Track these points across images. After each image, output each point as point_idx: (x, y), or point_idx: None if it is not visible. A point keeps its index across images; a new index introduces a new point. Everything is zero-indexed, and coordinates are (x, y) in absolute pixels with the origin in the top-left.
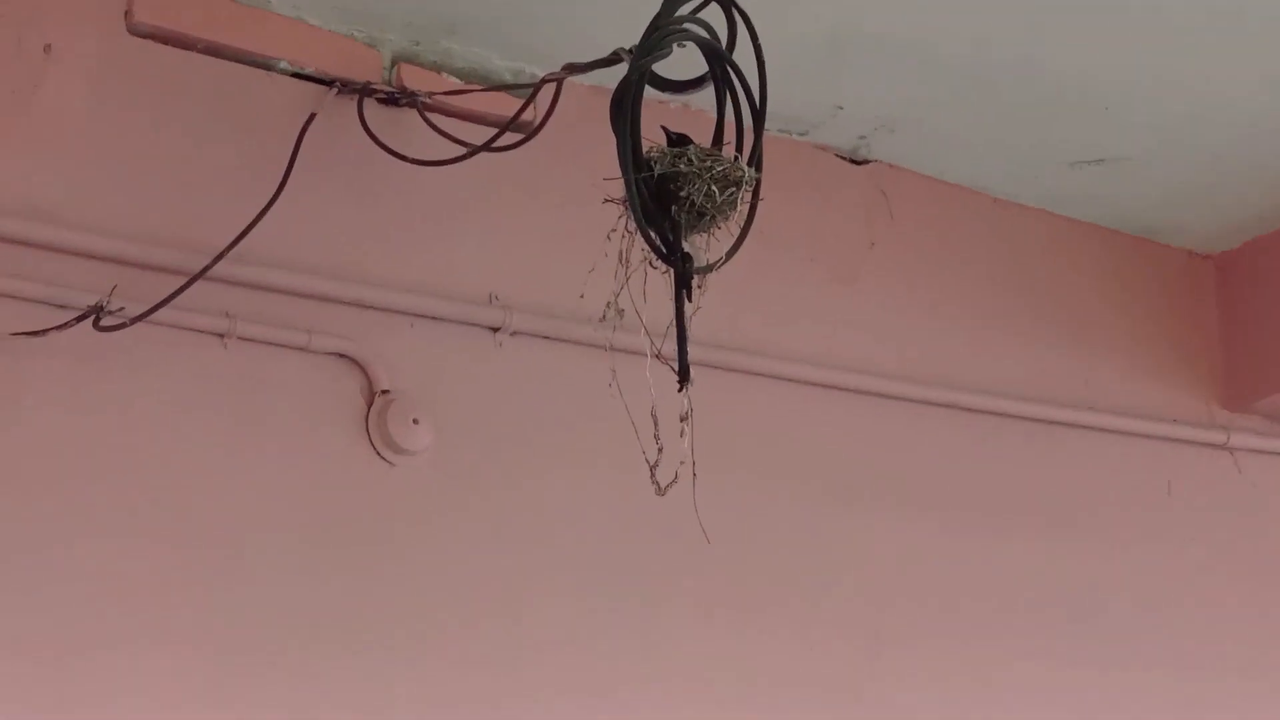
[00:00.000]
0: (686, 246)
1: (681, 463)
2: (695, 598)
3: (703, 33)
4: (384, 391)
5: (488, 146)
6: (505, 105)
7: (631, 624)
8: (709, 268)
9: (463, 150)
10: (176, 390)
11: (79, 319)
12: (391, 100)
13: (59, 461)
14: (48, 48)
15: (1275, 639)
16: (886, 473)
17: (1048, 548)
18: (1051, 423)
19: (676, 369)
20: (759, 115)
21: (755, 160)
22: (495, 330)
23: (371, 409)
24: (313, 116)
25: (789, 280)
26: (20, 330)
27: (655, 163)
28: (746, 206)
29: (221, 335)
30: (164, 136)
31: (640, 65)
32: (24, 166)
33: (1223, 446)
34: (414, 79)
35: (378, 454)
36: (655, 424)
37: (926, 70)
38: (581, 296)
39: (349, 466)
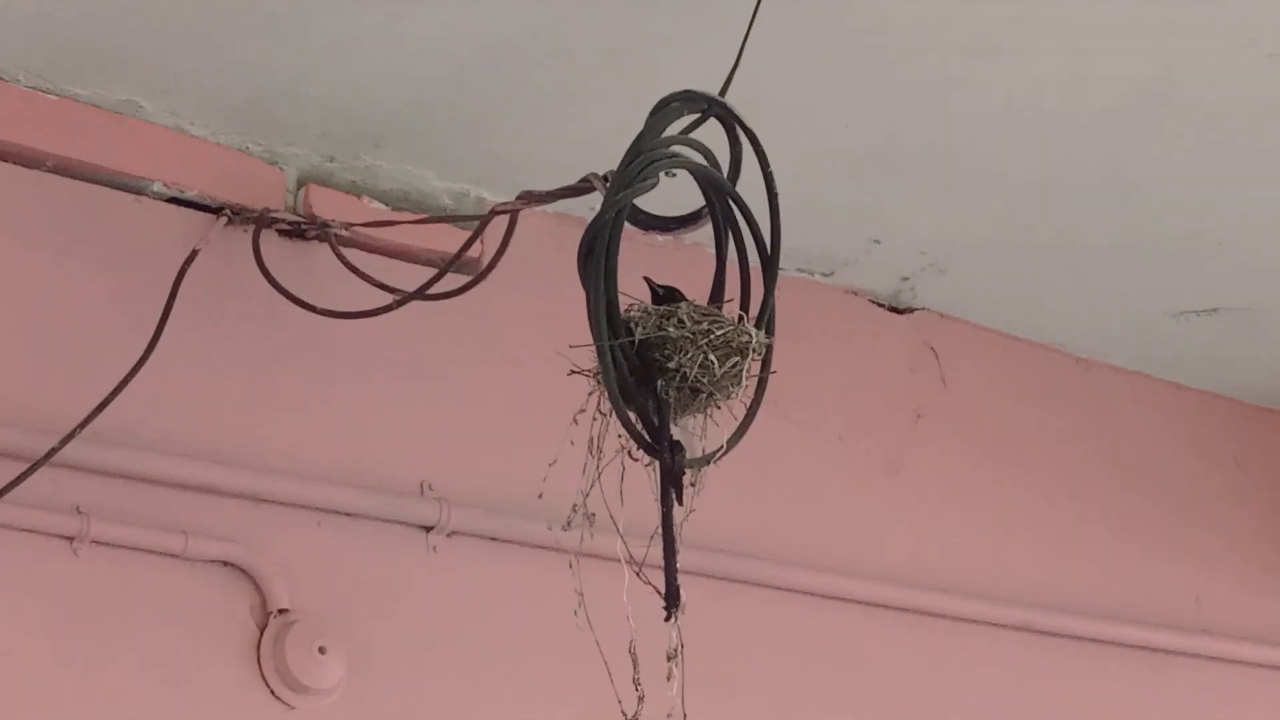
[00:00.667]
0: (676, 433)
1: (669, 715)
2: None
3: (698, 158)
4: (282, 611)
5: (422, 294)
6: (444, 240)
7: None
8: (706, 460)
9: (389, 298)
10: (10, 610)
11: None
12: (297, 232)
13: None
14: None
15: None
16: (944, 709)
17: None
18: (1153, 650)
19: (663, 591)
20: (770, 260)
21: (766, 320)
22: (428, 530)
23: (265, 634)
24: (194, 253)
25: (812, 467)
26: None
27: (637, 324)
28: (754, 381)
29: (71, 538)
30: (1, 281)
31: (618, 201)
32: None
33: None
34: (326, 204)
35: (272, 694)
36: (634, 664)
37: (988, 194)
38: (540, 496)
39: (234, 711)
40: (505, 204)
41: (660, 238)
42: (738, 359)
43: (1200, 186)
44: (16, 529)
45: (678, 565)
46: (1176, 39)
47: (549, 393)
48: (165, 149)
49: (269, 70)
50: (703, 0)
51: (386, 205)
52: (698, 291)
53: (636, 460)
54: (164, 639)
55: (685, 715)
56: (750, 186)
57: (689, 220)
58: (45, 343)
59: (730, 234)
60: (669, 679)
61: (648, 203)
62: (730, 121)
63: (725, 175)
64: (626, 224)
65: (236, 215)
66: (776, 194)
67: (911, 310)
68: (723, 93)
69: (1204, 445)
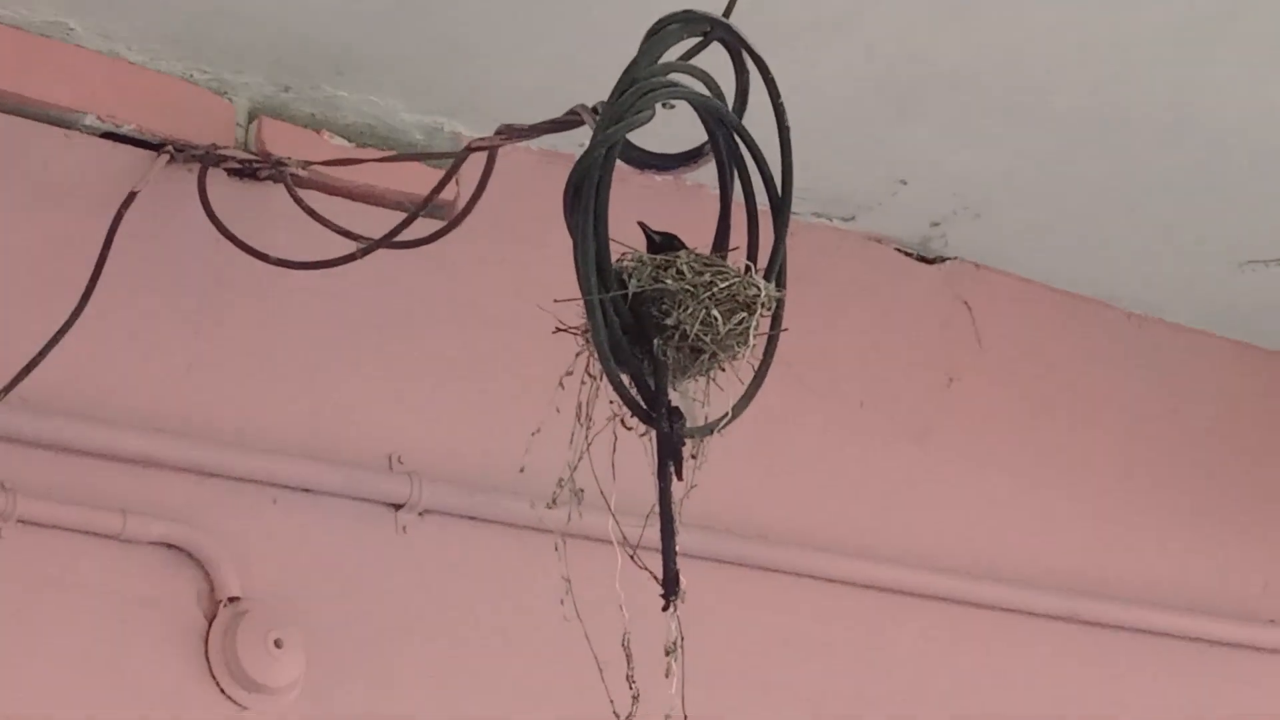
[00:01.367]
0: (675, 398)
1: (667, 716)
2: None
3: (700, 87)
4: (232, 599)
5: (389, 241)
6: (414, 180)
7: None
8: (709, 429)
9: (352, 246)
10: None
11: None
12: (248, 172)
13: None
14: None
15: None
16: (976, 712)
17: None
18: (1214, 643)
19: (660, 577)
20: (781, 203)
21: (777, 271)
22: (397, 508)
23: (214, 625)
24: (132, 196)
25: (829, 437)
26: None
27: (630, 276)
28: (763, 339)
29: None
30: None
31: (609, 136)
32: None
33: None
34: (281, 140)
35: (222, 692)
36: (628, 659)
37: (1029, 127)
38: (521, 470)
39: (179, 712)
40: (482, 139)
41: (657, 178)
42: (744, 315)
43: (1271, 116)
44: None
45: (677, 548)
46: None
47: (532, 353)
48: (98, 77)
49: None
50: None
51: (349, 141)
52: (699, 239)
53: (630, 429)
54: (99, 631)
55: (685, 716)
56: (759, 120)
57: (689, 158)
58: None
59: (736, 173)
60: (667, 676)
61: (643, 138)
62: (736, 46)
63: (730, 107)
64: (619, 162)
65: (179, 152)
66: (788, 127)
67: (942, 260)
68: (727, 13)
69: (1274, 412)
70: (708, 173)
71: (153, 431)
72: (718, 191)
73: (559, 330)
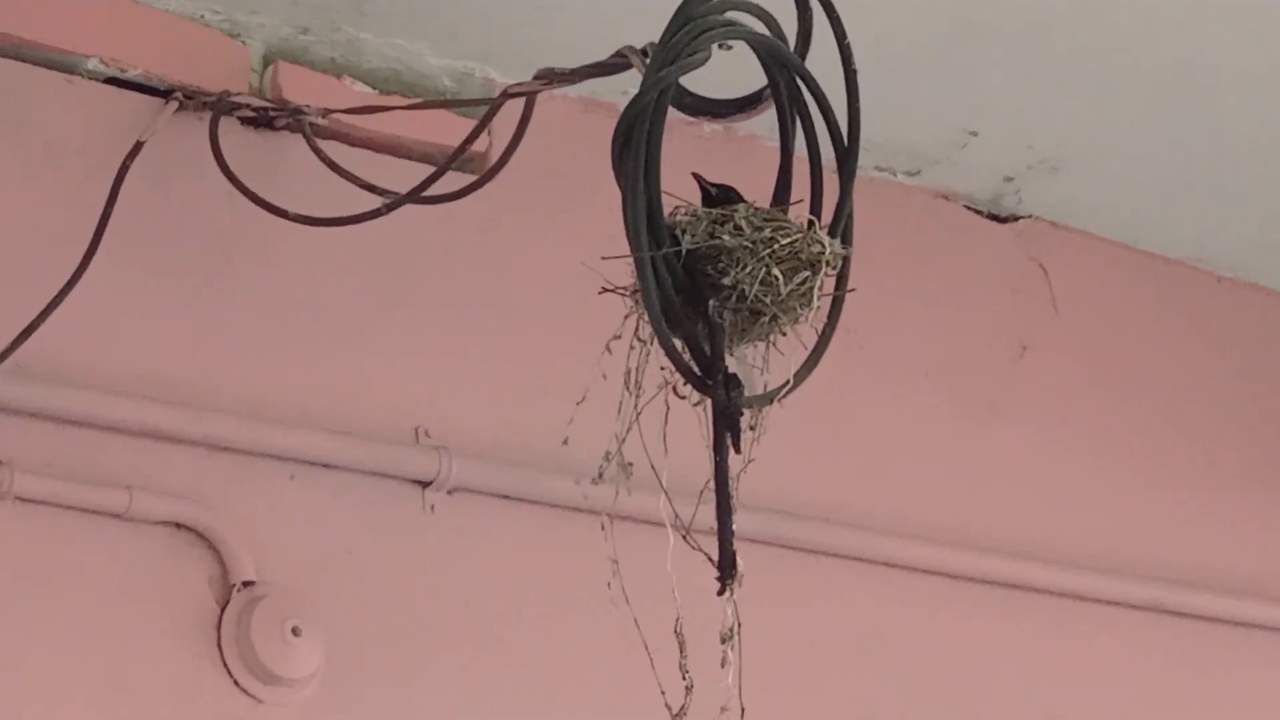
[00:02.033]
0: (732, 364)
1: (723, 709)
2: None
3: (759, 27)
4: (247, 584)
5: (417, 196)
6: (444, 130)
7: None
8: (768, 397)
9: (377, 201)
10: None
11: None
12: (264, 120)
13: None
14: None
15: None
16: (1045, 707)
17: None
18: None
19: (716, 559)
20: (848, 152)
21: (843, 226)
22: (425, 485)
23: (226, 612)
24: (138, 146)
25: (893, 410)
26: None
27: (684, 231)
28: (828, 300)
29: None
30: None
31: (662, 79)
32: None
33: None
34: (300, 87)
35: (235, 684)
36: (681, 647)
37: (1111, 75)
38: (565, 442)
39: (190, 705)
40: (519, 85)
41: (710, 127)
42: (807, 274)
43: None
44: None
45: (734, 528)
46: None
47: (575, 316)
48: (101, 17)
49: None
50: None
51: (372, 88)
52: (757, 193)
53: (683, 398)
54: (102, 617)
55: (743, 708)
56: (823, 63)
57: (748, 104)
58: None
59: (798, 121)
60: (723, 665)
61: (696, 83)
62: None
63: (792, 49)
64: (671, 109)
65: (189, 100)
66: (855, 70)
67: (1016, 218)
68: None
69: None
70: (760, 123)
71: (160, 402)
72: (771, 143)
73: (605, 291)
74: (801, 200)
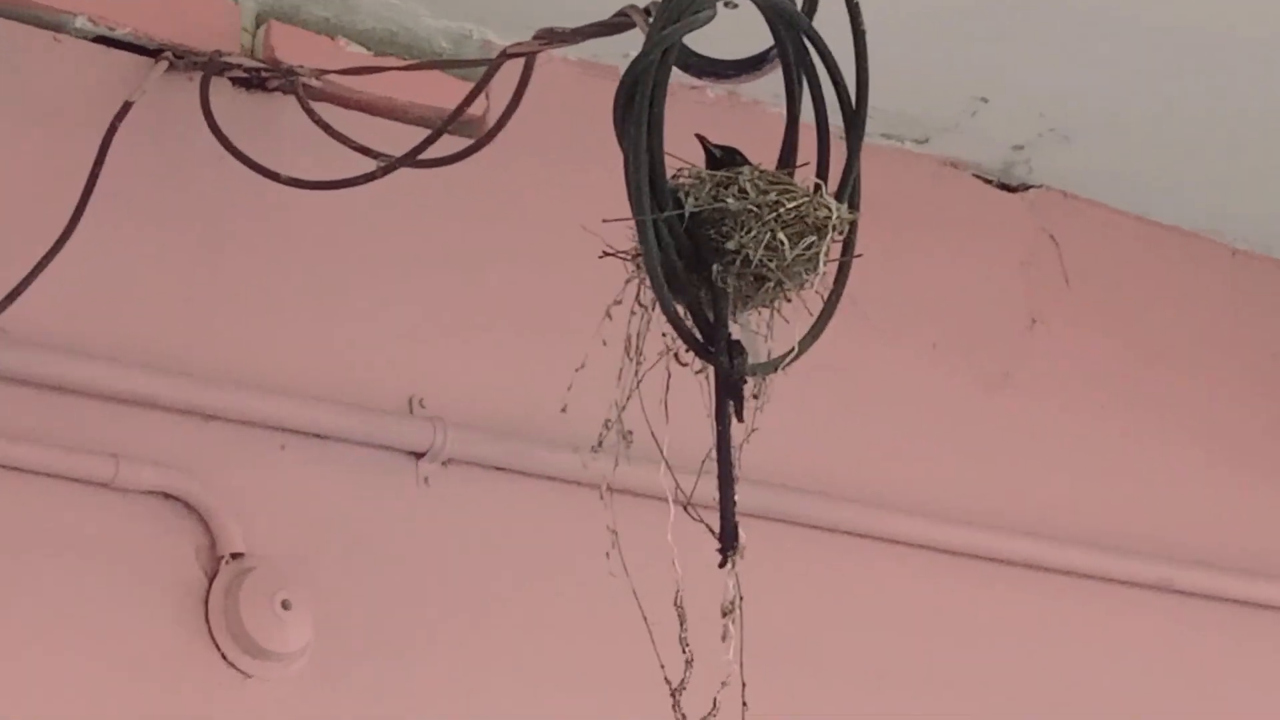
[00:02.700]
0: (735, 330)
1: (724, 683)
2: None
3: None
4: (235, 555)
5: (413, 159)
6: (441, 92)
7: None
8: (773, 365)
9: (371, 164)
10: None
11: None
12: (256, 81)
13: None
14: None
15: None
16: (1067, 696)
17: None
18: None
19: (718, 531)
20: (856, 115)
21: (850, 190)
22: (419, 456)
23: (214, 584)
24: (127, 107)
25: (899, 383)
26: None
27: (687, 194)
28: (834, 266)
29: None
30: None
31: (665, 38)
32: None
33: None
34: (293, 47)
35: (224, 658)
36: (681, 620)
37: (1124, 41)
38: (563, 409)
39: (176, 679)
40: (518, 45)
41: (714, 91)
42: (814, 239)
43: None
44: None
45: (736, 499)
46: None
47: (574, 281)
48: None
49: None
50: None
51: (367, 49)
52: (762, 157)
53: (685, 365)
54: (86, 589)
55: (744, 683)
56: (830, 24)
57: (753, 64)
58: None
59: (805, 82)
60: (724, 639)
61: (700, 43)
62: None
63: (800, 8)
64: (675, 69)
65: (179, 59)
66: (864, 32)
67: (1026, 188)
68: None
69: None
70: (764, 87)
71: (148, 369)
72: (776, 109)
73: (606, 255)
74: (807, 163)
